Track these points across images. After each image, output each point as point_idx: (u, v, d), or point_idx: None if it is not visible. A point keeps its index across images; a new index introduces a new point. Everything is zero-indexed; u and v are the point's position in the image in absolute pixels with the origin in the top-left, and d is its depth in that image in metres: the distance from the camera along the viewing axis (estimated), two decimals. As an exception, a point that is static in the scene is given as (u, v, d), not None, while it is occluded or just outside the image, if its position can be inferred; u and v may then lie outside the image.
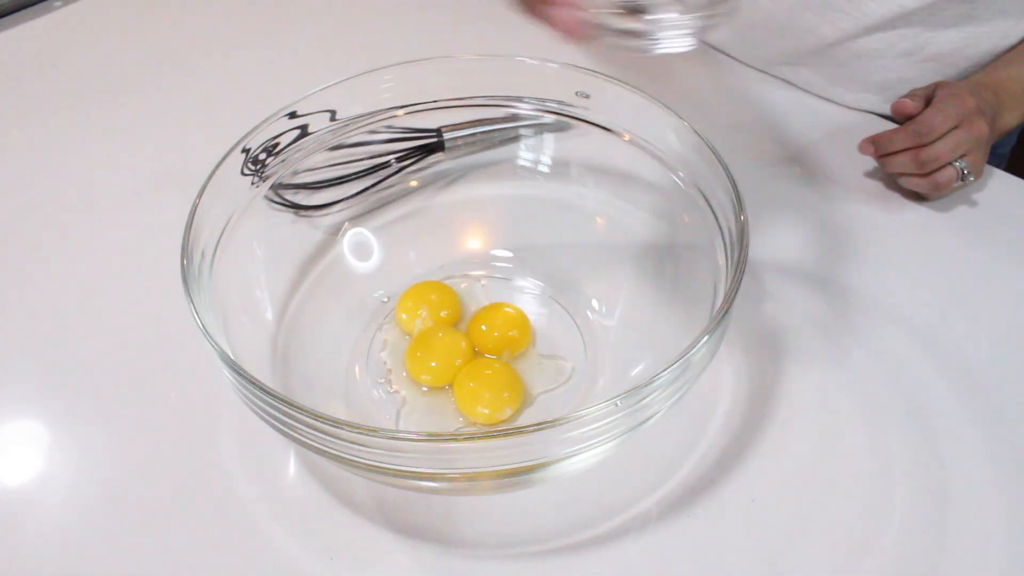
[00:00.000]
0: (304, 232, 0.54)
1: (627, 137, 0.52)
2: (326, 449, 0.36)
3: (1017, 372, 0.50)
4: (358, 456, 0.36)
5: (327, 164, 0.55)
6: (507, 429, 0.34)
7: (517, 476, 0.38)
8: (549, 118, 0.55)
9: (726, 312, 0.38)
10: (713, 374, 0.50)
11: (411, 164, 0.58)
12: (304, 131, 0.51)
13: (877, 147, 0.61)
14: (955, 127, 0.58)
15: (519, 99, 0.55)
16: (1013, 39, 0.65)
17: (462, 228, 0.59)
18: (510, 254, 0.57)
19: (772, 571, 0.42)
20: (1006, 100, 0.61)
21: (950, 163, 0.58)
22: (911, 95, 0.62)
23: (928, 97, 0.61)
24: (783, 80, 0.74)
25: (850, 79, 0.69)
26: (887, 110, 0.70)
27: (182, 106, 0.73)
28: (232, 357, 0.37)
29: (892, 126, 0.68)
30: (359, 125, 0.54)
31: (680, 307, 0.50)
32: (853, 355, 0.52)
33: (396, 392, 0.49)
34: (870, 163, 0.65)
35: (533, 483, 0.42)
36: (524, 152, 0.58)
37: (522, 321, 0.51)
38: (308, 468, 0.46)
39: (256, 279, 0.50)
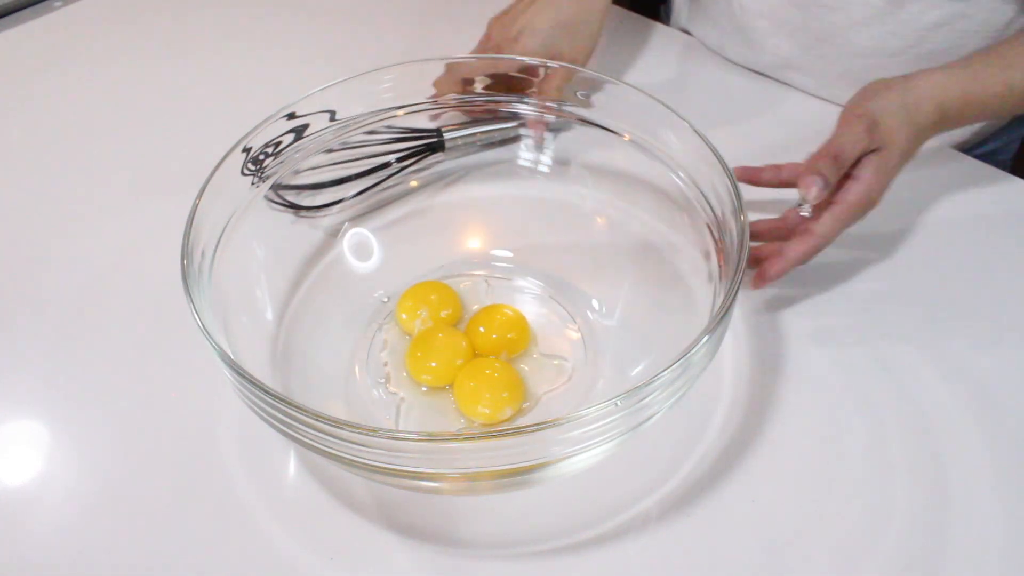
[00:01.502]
0: (304, 232, 0.54)
1: (627, 137, 0.52)
2: (326, 449, 0.36)
3: (1018, 372, 0.50)
4: (358, 456, 0.36)
5: (327, 164, 0.55)
6: (507, 429, 0.34)
7: (517, 476, 0.38)
8: (550, 117, 0.55)
9: (726, 312, 0.38)
10: (713, 374, 0.50)
11: (411, 164, 0.58)
12: (303, 131, 0.51)
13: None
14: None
15: (519, 99, 0.55)
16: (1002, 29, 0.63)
17: (462, 228, 0.59)
18: (510, 254, 0.57)
19: (772, 571, 0.42)
20: (959, 116, 0.55)
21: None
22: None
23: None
24: (778, 81, 0.74)
25: (840, 78, 0.69)
26: None
27: (182, 106, 0.73)
28: (232, 357, 0.37)
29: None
30: (359, 125, 0.54)
31: (680, 307, 0.49)
32: (853, 355, 0.52)
33: (396, 392, 0.49)
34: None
35: (533, 483, 0.42)
36: (524, 152, 0.58)
37: (520, 323, 0.51)
38: (308, 468, 0.46)
39: (256, 279, 0.50)
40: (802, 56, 0.70)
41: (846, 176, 0.51)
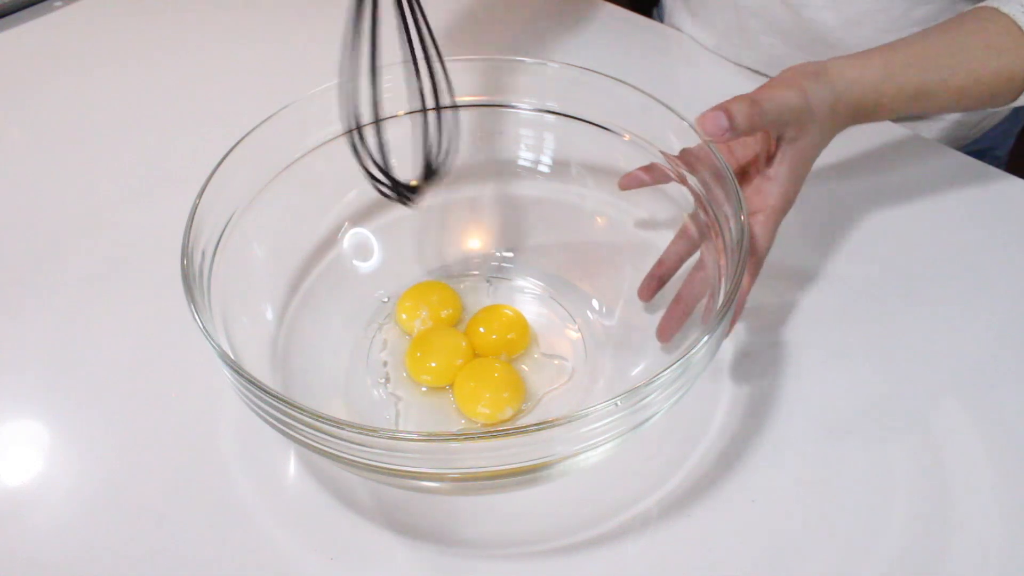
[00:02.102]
0: (304, 232, 0.54)
1: (627, 137, 0.52)
2: (326, 449, 0.36)
3: (1017, 372, 0.50)
4: (358, 456, 0.36)
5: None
6: (507, 429, 0.34)
7: (517, 476, 0.38)
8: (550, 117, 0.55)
9: (726, 312, 0.38)
10: (713, 374, 0.50)
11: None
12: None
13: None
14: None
15: (519, 99, 0.55)
16: None
17: (462, 228, 0.59)
18: (510, 254, 0.57)
19: (772, 571, 0.42)
20: (869, 117, 0.51)
21: None
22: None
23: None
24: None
25: None
26: None
27: (182, 106, 0.73)
28: (232, 357, 0.37)
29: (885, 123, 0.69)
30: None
31: (680, 307, 0.49)
32: (853, 356, 0.52)
33: (395, 392, 0.49)
34: (870, 161, 0.65)
35: (533, 483, 0.42)
36: (524, 152, 0.58)
37: (520, 323, 0.51)
38: (308, 468, 0.46)
39: (256, 279, 0.50)
40: (795, 54, 0.70)
41: (762, 178, 0.48)
